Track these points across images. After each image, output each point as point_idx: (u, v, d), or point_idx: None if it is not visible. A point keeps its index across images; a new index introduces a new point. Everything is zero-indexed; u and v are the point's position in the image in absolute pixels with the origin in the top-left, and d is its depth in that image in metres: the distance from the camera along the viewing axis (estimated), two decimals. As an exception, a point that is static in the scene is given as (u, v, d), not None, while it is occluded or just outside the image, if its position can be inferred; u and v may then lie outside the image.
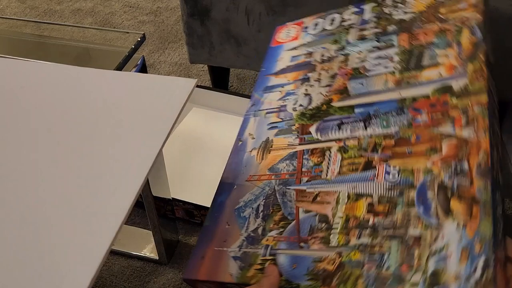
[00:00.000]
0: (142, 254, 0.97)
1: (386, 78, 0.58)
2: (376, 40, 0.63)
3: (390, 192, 0.48)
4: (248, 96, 1.19)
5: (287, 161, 0.58)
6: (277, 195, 0.56)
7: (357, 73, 0.61)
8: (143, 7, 1.71)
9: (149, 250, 0.97)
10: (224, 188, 0.61)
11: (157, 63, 1.46)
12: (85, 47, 1.30)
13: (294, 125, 0.62)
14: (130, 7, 1.71)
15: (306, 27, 0.74)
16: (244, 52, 1.11)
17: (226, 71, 1.29)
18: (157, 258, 0.95)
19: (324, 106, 0.61)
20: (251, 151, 0.63)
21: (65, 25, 1.54)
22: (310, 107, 0.62)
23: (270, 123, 0.64)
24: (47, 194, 0.57)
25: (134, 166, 0.60)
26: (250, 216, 0.56)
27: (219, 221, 0.58)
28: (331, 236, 0.48)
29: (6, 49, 1.26)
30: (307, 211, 0.52)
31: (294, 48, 0.72)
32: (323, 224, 0.50)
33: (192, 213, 1.01)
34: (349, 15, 0.70)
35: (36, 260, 0.51)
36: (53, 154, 0.62)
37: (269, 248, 0.52)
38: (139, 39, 1.17)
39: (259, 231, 0.54)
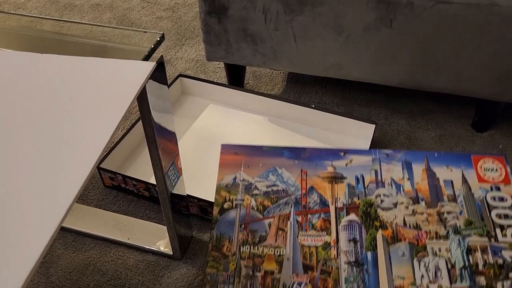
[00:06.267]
0: (156, 249, 0.98)
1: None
2: None
3: None
4: (264, 94, 1.19)
5: None
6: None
7: None
8: (161, 2, 1.72)
9: (163, 245, 0.99)
10: None
11: (174, 59, 1.47)
12: (104, 45, 1.31)
13: None
14: (148, 2, 1.72)
15: None
16: (260, 51, 1.12)
17: (243, 68, 1.29)
18: (171, 253, 0.97)
19: None
20: None
21: (84, 23, 1.55)
22: None
23: None
24: (4, 171, 0.58)
25: (87, 145, 0.61)
26: None
27: None
28: None
29: (23, 45, 1.27)
30: None
31: None
32: None
33: (206, 210, 1.02)
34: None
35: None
36: (6, 135, 0.63)
37: None
38: (158, 38, 1.18)
39: None
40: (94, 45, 1.29)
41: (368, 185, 0.70)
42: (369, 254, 0.64)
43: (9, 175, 0.57)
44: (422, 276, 0.61)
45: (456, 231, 0.65)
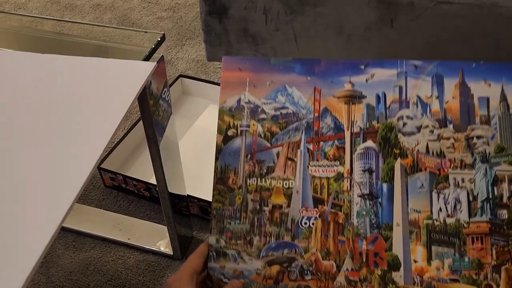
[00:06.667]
0: (156, 249, 0.98)
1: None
2: None
3: None
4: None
5: None
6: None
7: None
8: (161, 3, 1.72)
9: (163, 245, 0.99)
10: None
11: (175, 59, 1.47)
12: (104, 46, 1.31)
13: None
14: (149, 2, 1.72)
15: None
16: (261, 51, 1.12)
17: (243, 68, 1.29)
18: (172, 253, 0.97)
19: None
20: None
21: (85, 23, 1.55)
22: None
23: None
24: (6, 171, 0.58)
25: (88, 145, 0.61)
26: None
27: None
28: None
29: (24, 45, 1.27)
30: None
31: None
32: None
33: (206, 210, 1.02)
34: None
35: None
36: (7, 135, 0.63)
37: None
38: (159, 38, 1.18)
39: None
40: (95, 45, 1.29)
41: (390, 106, 0.62)
42: (384, 186, 0.59)
43: (10, 175, 0.57)
44: (440, 209, 0.58)
45: (484, 159, 0.59)
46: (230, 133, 0.63)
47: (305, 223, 0.59)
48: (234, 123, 0.63)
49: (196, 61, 1.46)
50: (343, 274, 0.57)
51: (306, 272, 0.58)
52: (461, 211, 0.58)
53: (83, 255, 0.99)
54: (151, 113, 0.77)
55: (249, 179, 0.61)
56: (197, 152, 1.14)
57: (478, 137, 0.59)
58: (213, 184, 0.61)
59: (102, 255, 0.99)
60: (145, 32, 1.32)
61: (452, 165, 0.59)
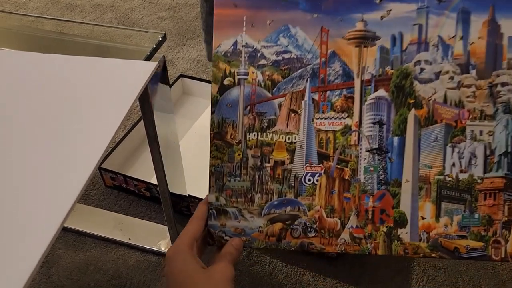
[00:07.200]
0: (157, 249, 0.98)
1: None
2: None
3: None
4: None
5: None
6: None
7: None
8: (162, 3, 1.72)
9: (164, 245, 0.99)
10: None
11: (175, 59, 1.47)
12: (105, 45, 1.31)
13: None
14: (150, 2, 1.72)
15: None
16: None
17: (244, 68, 1.29)
18: (172, 253, 0.96)
19: None
20: None
21: (85, 23, 1.56)
22: None
23: None
24: (6, 171, 0.58)
25: (89, 145, 0.60)
26: None
27: None
28: None
29: (24, 45, 1.28)
30: None
31: None
32: None
33: (207, 210, 1.02)
34: None
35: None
36: (8, 135, 0.62)
37: None
38: (160, 38, 1.18)
39: None
40: (95, 45, 1.29)
41: (407, 48, 0.55)
42: (395, 139, 0.55)
43: (10, 175, 0.57)
44: (453, 164, 0.55)
45: (507, 109, 0.54)
46: (226, 82, 0.58)
47: (309, 180, 0.56)
48: (230, 71, 0.57)
49: (196, 61, 1.46)
50: (348, 231, 0.56)
51: (309, 229, 0.56)
52: (476, 166, 0.54)
53: (83, 255, 0.99)
54: (152, 113, 0.76)
55: (249, 134, 0.57)
56: (198, 152, 1.14)
57: (503, 84, 0.54)
58: (210, 139, 0.57)
59: (102, 255, 0.99)
60: (146, 32, 1.32)
61: (470, 116, 0.55)
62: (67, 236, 1.03)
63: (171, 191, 0.86)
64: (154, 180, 1.09)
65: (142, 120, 0.80)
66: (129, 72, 0.71)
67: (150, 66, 0.71)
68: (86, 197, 1.11)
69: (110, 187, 1.13)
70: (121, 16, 1.66)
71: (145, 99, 0.75)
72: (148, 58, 1.12)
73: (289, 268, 0.93)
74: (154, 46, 1.17)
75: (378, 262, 0.94)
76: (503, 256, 0.55)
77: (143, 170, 1.11)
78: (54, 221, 0.51)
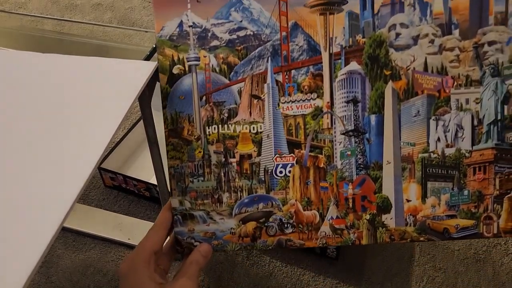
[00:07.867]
0: (157, 249, 0.98)
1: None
2: None
3: None
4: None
5: None
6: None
7: None
8: (162, 3, 1.72)
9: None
10: None
11: (175, 59, 1.47)
12: (105, 45, 1.31)
13: None
14: (149, 2, 1.72)
15: None
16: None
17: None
18: (172, 253, 0.96)
19: None
20: None
21: (85, 23, 1.55)
22: None
23: None
24: (6, 171, 0.58)
25: (88, 145, 0.60)
26: None
27: None
28: None
29: (24, 44, 1.28)
30: None
31: None
32: None
33: (207, 210, 1.01)
34: None
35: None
36: (7, 135, 0.62)
37: None
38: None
39: None
40: (95, 45, 1.29)
41: (379, 11, 0.49)
42: (372, 117, 0.50)
43: (10, 175, 0.57)
44: (438, 139, 0.50)
45: (495, 71, 0.49)
46: (176, 71, 0.50)
47: (281, 172, 0.51)
48: (179, 57, 0.50)
49: (196, 61, 1.46)
50: (328, 223, 0.51)
51: (286, 225, 0.52)
52: (463, 139, 0.50)
53: (83, 255, 0.99)
54: (151, 113, 0.76)
55: (208, 127, 0.51)
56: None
57: (490, 43, 0.48)
58: (165, 137, 0.51)
59: (102, 255, 0.99)
60: (146, 31, 1.32)
61: (455, 83, 0.49)
62: (66, 236, 1.02)
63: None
64: (153, 180, 1.09)
65: (142, 120, 0.80)
66: (129, 72, 0.71)
67: (150, 66, 0.71)
68: (86, 197, 1.11)
69: (110, 187, 1.13)
70: (121, 16, 1.66)
71: (144, 99, 0.75)
72: (148, 58, 1.12)
73: (289, 268, 0.93)
74: (154, 46, 1.17)
75: (378, 262, 0.94)
76: (495, 232, 0.51)
77: (143, 170, 1.11)
78: (54, 221, 0.51)
